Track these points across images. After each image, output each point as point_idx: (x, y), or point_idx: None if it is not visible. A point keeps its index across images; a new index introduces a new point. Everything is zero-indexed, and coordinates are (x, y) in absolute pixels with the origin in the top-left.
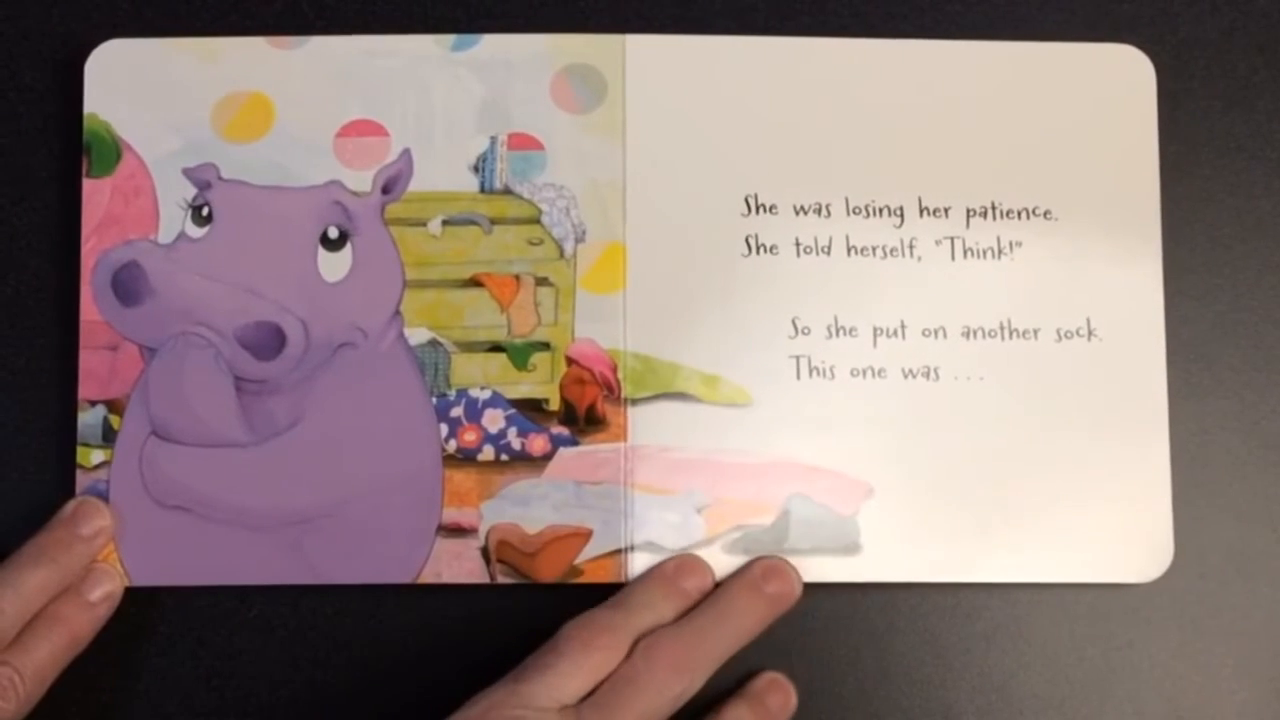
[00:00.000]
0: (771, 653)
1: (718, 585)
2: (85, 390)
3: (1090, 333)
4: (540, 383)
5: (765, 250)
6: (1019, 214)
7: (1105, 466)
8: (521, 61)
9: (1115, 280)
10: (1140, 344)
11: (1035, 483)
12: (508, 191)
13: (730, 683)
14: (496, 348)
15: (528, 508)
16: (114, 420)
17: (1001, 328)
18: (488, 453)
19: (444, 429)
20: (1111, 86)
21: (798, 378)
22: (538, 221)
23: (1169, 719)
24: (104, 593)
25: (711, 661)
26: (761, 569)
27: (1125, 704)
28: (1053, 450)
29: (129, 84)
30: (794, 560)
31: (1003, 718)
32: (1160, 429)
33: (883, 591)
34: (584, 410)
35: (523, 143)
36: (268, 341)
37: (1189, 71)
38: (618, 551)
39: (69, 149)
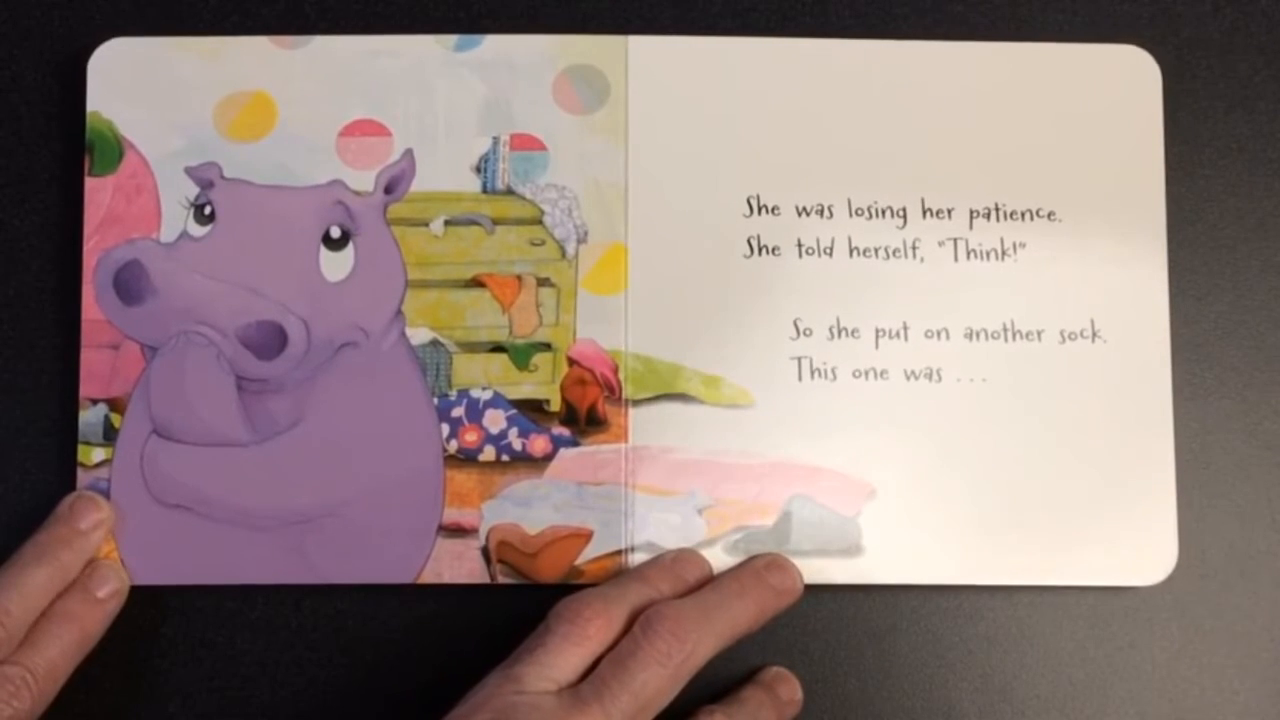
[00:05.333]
0: (774, 653)
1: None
2: (86, 389)
3: (1094, 334)
4: (541, 383)
5: (767, 251)
6: (1022, 215)
7: (1109, 469)
8: (524, 62)
9: (1119, 281)
10: (1145, 345)
11: (1038, 485)
12: (510, 192)
13: (739, 679)
14: (498, 348)
15: (529, 508)
16: (115, 419)
17: (1005, 329)
18: (489, 453)
19: (445, 429)
20: (1116, 87)
21: (799, 379)
22: (539, 222)
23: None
24: (111, 589)
25: (714, 635)
26: (764, 561)
27: (1127, 705)
28: (1056, 452)
29: (132, 83)
30: (796, 561)
31: (1005, 719)
32: (1165, 431)
33: (884, 592)
34: (585, 411)
35: (525, 143)
36: (269, 341)
37: (1191, 73)
38: (619, 552)
39: (71, 147)
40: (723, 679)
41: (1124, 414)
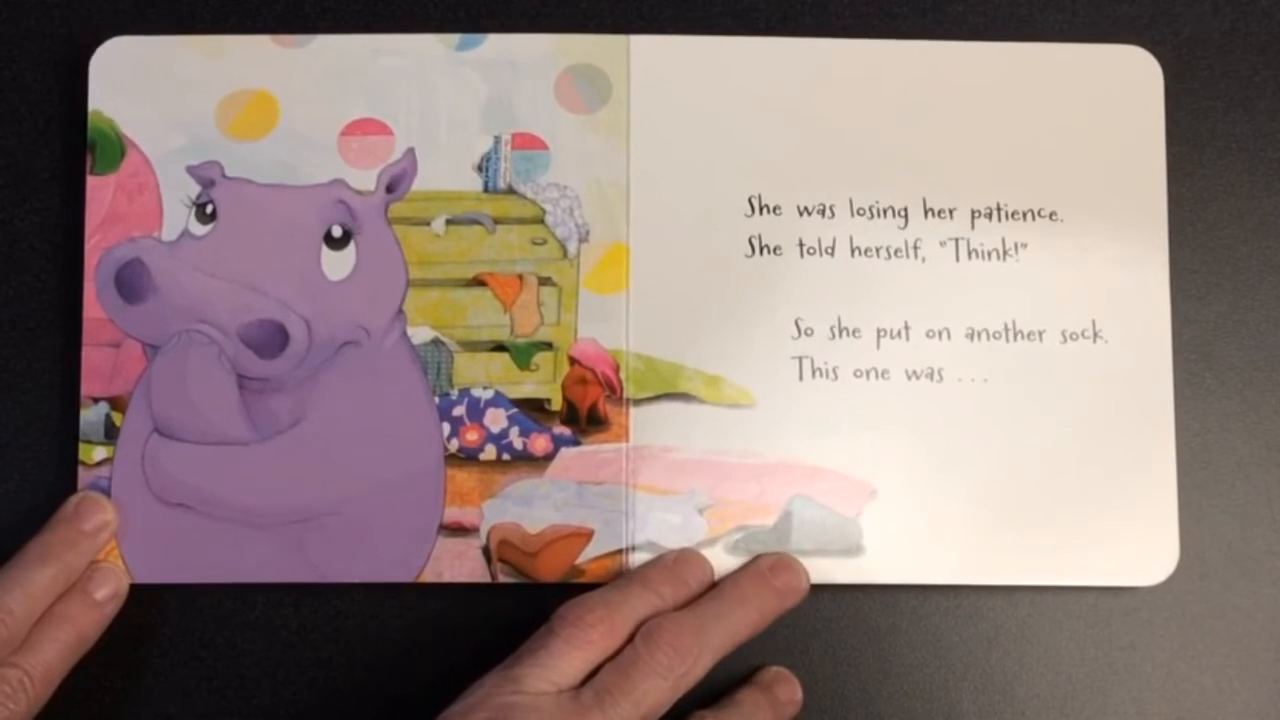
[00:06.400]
0: (774, 653)
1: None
2: (88, 387)
3: (1096, 334)
4: (543, 382)
5: (769, 251)
6: (1024, 215)
7: (1110, 469)
8: (526, 61)
9: (1121, 282)
10: (1146, 346)
11: (1039, 485)
12: (511, 191)
13: (739, 679)
14: (499, 347)
15: (529, 507)
16: (116, 417)
17: (1006, 329)
18: (490, 452)
19: (446, 428)
20: (1118, 87)
21: (800, 379)
22: (541, 221)
23: (1170, 719)
24: (110, 592)
25: (715, 647)
26: (769, 562)
27: (1127, 705)
28: (1057, 452)
29: (134, 81)
30: None
31: (1005, 718)
32: (1166, 431)
33: (885, 592)
34: (586, 410)
35: (527, 142)
36: (271, 340)
37: (1191, 72)
38: (619, 552)
39: (73, 146)
40: (722, 679)
41: (1125, 414)
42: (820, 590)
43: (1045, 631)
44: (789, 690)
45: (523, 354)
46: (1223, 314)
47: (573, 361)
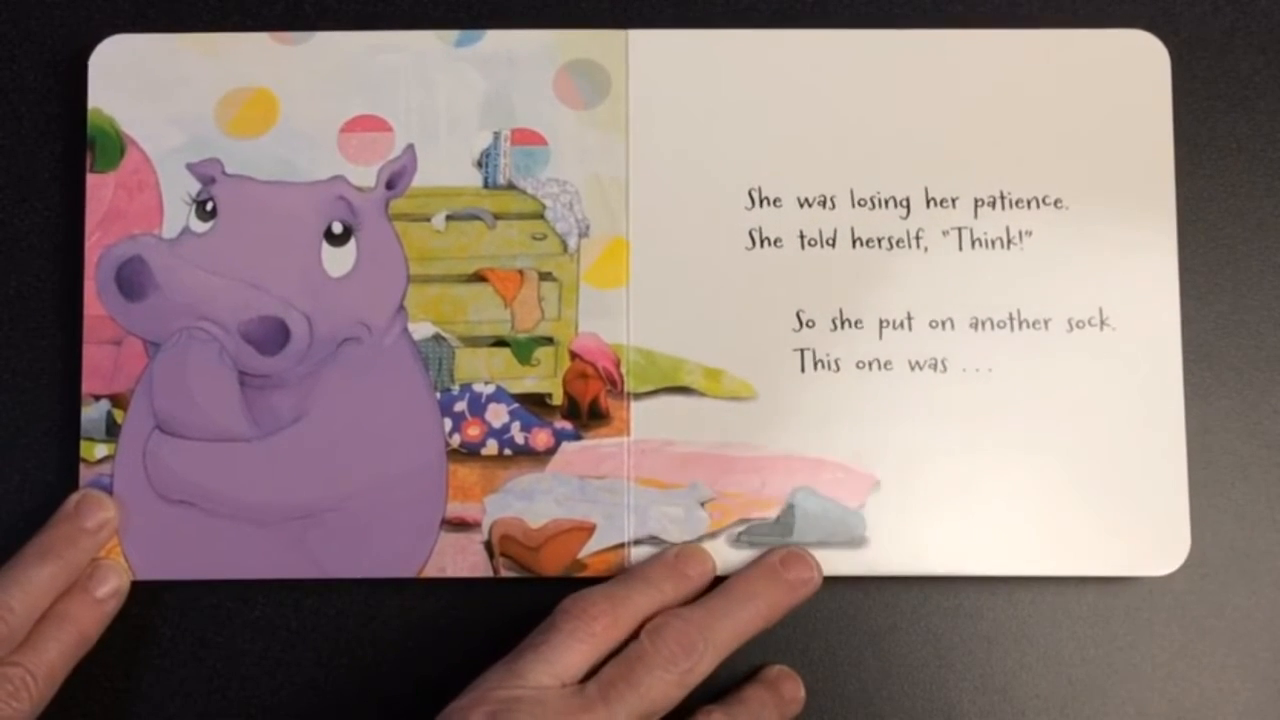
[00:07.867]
0: (774, 652)
1: (727, 577)
2: (89, 385)
3: (1103, 322)
4: (544, 377)
5: (769, 243)
6: (1029, 203)
7: (1119, 457)
8: (525, 57)
9: (1129, 268)
10: (1155, 332)
11: (1046, 474)
12: (511, 187)
13: (741, 676)
14: (500, 342)
15: (531, 502)
16: (117, 414)
17: (1011, 318)
18: (491, 447)
19: (448, 423)
20: (1124, 72)
21: (802, 370)
22: (541, 216)
23: (1170, 719)
24: (111, 589)
25: (721, 643)
26: (780, 556)
27: (1127, 704)
28: (1064, 441)
29: (133, 79)
30: None
31: (1005, 718)
32: (1175, 417)
33: (885, 591)
34: (587, 405)
35: (526, 138)
36: (272, 336)
37: (1192, 72)
38: (621, 546)
39: (73, 144)
40: (726, 677)
41: (1134, 402)
42: (821, 586)
43: (1045, 631)
44: (793, 688)
45: (524, 349)
46: (1223, 314)
47: (574, 356)
